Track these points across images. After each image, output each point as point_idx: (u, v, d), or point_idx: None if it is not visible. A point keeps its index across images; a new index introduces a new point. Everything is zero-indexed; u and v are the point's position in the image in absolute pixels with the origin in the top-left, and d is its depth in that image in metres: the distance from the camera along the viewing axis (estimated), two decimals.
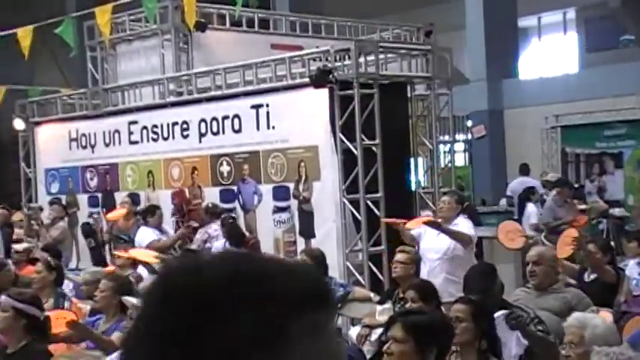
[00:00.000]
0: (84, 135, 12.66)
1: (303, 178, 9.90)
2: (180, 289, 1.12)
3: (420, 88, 10.51)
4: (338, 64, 9.69)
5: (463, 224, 8.16)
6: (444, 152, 12.03)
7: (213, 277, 1.12)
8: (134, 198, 11.63)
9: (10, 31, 11.30)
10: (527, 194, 13.62)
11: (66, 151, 12.95)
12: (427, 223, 8.17)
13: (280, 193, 10.16)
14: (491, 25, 17.98)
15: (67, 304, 7.42)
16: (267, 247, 9.98)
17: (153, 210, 10.59)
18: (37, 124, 13.46)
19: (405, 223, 8.34)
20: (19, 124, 13.37)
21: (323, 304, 1.15)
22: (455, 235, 7.93)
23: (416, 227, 8.31)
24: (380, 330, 5.83)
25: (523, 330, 5.29)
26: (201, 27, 11.63)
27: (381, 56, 9.81)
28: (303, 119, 9.82)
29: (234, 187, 10.66)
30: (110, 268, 8.83)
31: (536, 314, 5.62)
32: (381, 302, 7.49)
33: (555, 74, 21.45)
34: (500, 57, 18.07)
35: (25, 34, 10.83)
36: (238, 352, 1.08)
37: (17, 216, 13.96)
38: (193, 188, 11.15)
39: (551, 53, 24.76)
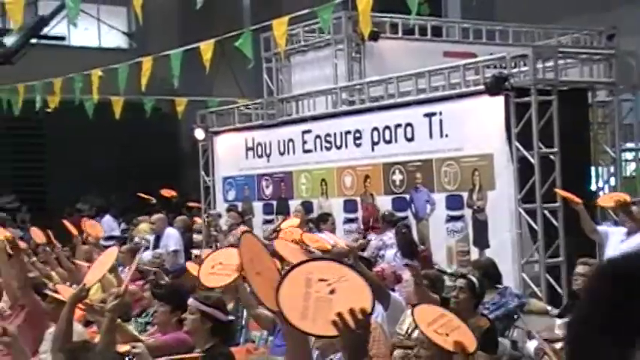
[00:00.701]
0: (259, 144, 13.04)
1: (477, 186, 9.73)
2: (628, 272, 1.40)
3: (601, 94, 10.07)
4: (514, 70, 9.46)
5: None
6: (626, 161, 11.46)
7: None
8: (307, 206, 11.85)
9: (194, 46, 11.84)
10: None
11: (242, 159, 13.38)
12: (621, 206, 7.68)
13: (453, 201, 10.03)
14: None
15: (245, 310, 7.61)
16: (439, 255, 9.89)
17: (326, 218, 10.72)
18: (216, 133, 14.00)
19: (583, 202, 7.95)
20: (199, 133, 13.98)
21: None
22: None
23: (608, 204, 7.88)
24: (559, 344, 5.61)
25: None
26: (374, 36, 11.71)
27: (560, 62, 9.49)
28: (478, 127, 9.65)
29: (407, 196, 10.64)
30: None
31: None
32: (560, 316, 7.21)
33: None
34: None
35: (207, 48, 11.31)
36: None
37: (196, 222, 14.60)
38: (366, 197, 11.21)
39: None
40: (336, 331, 2.39)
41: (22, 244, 8.92)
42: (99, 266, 5.00)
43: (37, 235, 10.03)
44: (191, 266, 7.59)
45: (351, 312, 2.36)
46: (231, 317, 5.66)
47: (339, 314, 2.37)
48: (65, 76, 14.44)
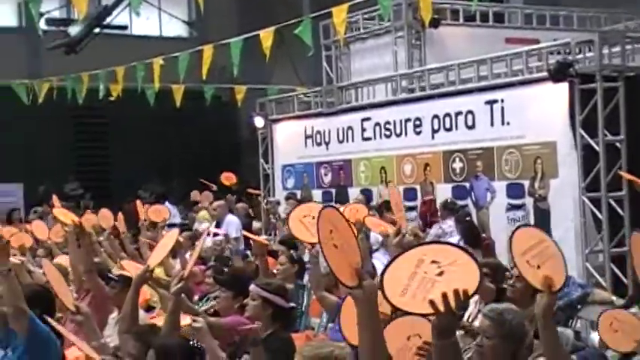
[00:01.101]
0: (319, 132, 13.05)
1: (539, 175, 9.58)
2: None
3: None
4: (579, 56, 9.27)
5: None
6: None
7: None
8: (366, 194, 11.81)
9: (254, 34, 11.88)
10: None
11: (301, 147, 13.41)
12: None
13: (515, 190, 9.89)
14: None
15: (305, 297, 7.64)
16: (500, 245, 9.73)
17: (389, 206, 10.62)
18: (275, 121, 14.05)
19: None
20: (259, 121, 14.06)
21: None
22: None
23: None
24: None
25: None
26: (434, 23, 11.61)
27: (628, 47, 9.26)
28: (540, 114, 9.49)
29: (467, 184, 10.53)
30: None
31: None
32: (625, 307, 7.06)
33: None
34: None
35: (266, 36, 11.35)
36: None
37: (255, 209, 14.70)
38: (425, 184, 11.14)
39: None
40: (431, 309, 2.48)
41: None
42: (161, 248, 5.05)
43: (106, 218, 10.16)
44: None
45: (455, 293, 2.45)
46: (292, 304, 5.68)
47: (444, 294, 2.45)
48: (127, 64, 14.65)
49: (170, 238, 5.22)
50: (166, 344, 4.05)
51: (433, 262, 2.59)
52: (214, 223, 12.56)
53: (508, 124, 9.89)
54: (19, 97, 15.79)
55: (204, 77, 12.97)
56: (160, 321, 6.76)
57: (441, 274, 2.55)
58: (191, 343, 4.05)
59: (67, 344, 4.87)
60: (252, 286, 5.36)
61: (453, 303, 2.47)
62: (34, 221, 11.98)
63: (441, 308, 2.48)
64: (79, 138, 23.36)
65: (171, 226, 14.43)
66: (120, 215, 10.36)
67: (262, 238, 11.27)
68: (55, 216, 8.19)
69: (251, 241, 12.09)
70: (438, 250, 2.66)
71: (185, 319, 4.68)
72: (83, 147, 23.38)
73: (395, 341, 3.49)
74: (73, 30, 16.22)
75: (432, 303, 2.49)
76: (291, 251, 8.60)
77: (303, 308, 7.52)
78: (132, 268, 6.46)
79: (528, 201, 9.74)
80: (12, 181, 21.29)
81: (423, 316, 2.77)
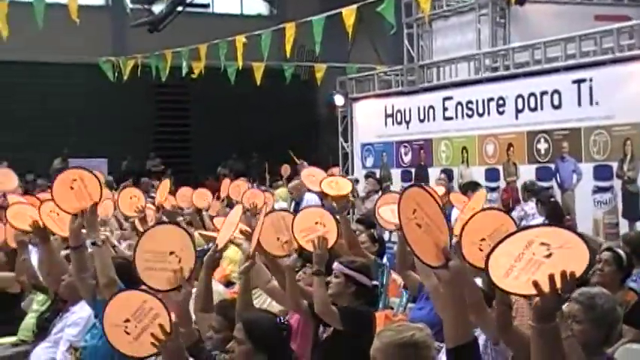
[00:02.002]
0: (399, 111, 12.95)
1: (629, 156, 9.30)
2: None
3: None
4: None
5: None
6: None
7: None
8: (447, 174, 11.67)
9: (336, 11, 11.83)
10: None
11: (381, 126, 13.33)
12: None
13: (602, 172, 9.63)
14: None
15: (385, 277, 7.61)
16: (585, 228, 9.50)
17: (474, 187, 10.42)
18: (355, 99, 14.00)
19: None
20: (339, 99, 14.04)
21: None
22: None
23: None
24: None
25: None
26: (520, 0, 11.33)
27: None
28: (632, 94, 9.19)
29: (552, 165, 10.30)
30: None
31: None
32: None
33: None
34: None
35: (349, 14, 11.28)
36: None
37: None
38: (508, 165, 10.94)
39: None
40: (534, 291, 2.44)
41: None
42: (228, 226, 5.03)
43: (202, 196, 10.16)
44: None
45: (562, 274, 2.41)
46: (375, 282, 5.65)
47: (551, 276, 2.41)
48: (209, 42, 14.78)
49: (235, 214, 5.18)
50: (255, 318, 4.07)
51: (543, 244, 2.54)
52: (293, 204, 12.59)
53: (597, 104, 9.61)
54: (105, 74, 16.12)
55: (287, 55, 12.98)
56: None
57: (549, 256, 2.49)
58: (279, 319, 4.05)
59: None
60: (335, 264, 5.34)
61: (559, 284, 2.40)
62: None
63: (546, 290, 2.41)
64: (160, 115, 23.77)
65: None
66: (199, 191, 10.42)
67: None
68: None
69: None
70: (550, 232, 2.60)
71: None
72: (165, 124, 23.80)
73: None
74: (157, 8, 16.46)
75: (535, 284, 2.43)
76: (372, 230, 8.59)
77: (382, 288, 7.48)
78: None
79: (616, 183, 9.47)
80: (97, 157, 21.84)
81: (525, 297, 2.71)
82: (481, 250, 3.43)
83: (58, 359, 5.55)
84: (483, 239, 3.48)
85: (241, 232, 5.08)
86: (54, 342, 5.70)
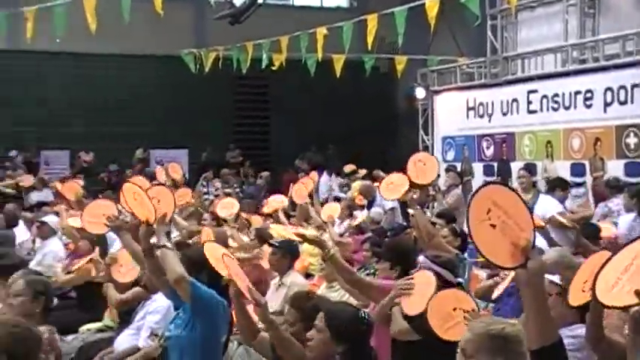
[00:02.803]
0: (481, 104, 12.73)
1: None
2: None
3: None
4: None
5: None
6: None
7: None
8: (530, 168, 11.39)
9: (419, 3, 11.67)
10: None
11: (463, 119, 13.14)
12: None
13: None
14: None
15: (466, 272, 7.45)
16: None
17: (562, 184, 10.04)
18: (436, 92, 13.83)
19: None
20: (420, 92, 13.90)
21: None
22: None
23: None
24: None
25: None
26: None
27: None
28: None
29: None
30: None
31: None
32: None
33: None
34: None
35: (432, 5, 11.09)
36: None
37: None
38: (595, 160, 10.62)
39: None
40: (636, 300, 2.37)
41: None
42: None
43: (300, 195, 10.15)
44: None
45: None
46: (460, 279, 5.53)
47: None
48: (289, 34, 14.79)
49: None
50: (336, 309, 4.06)
51: None
52: (366, 202, 12.46)
53: None
54: (187, 66, 16.31)
55: (369, 47, 12.88)
56: (317, 289, 6.83)
57: None
58: (360, 312, 4.01)
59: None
60: (421, 257, 5.27)
61: None
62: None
63: None
64: (240, 107, 23.96)
65: (337, 200, 14.58)
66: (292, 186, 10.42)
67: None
68: None
69: (409, 214, 12.03)
70: None
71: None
72: (244, 116, 23.98)
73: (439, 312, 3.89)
74: (238, 1, 16.54)
75: (637, 293, 2.33)
76: (453, 224, 8.44)
77: (464, 283, 7.35)
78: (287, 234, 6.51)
79: None
80: (178, 147, 22.18)
81: (624, 309, 2.57)
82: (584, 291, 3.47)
83: (140, 345, 5.63)
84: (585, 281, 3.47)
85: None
86: (137, 329, 5.78)
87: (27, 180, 16.35)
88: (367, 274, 7.35)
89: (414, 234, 9.61)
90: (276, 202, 10.13)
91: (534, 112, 11.60)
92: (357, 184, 15.14)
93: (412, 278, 5.19)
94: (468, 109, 13.01)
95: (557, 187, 9.47)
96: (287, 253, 7.00)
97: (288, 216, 10.94)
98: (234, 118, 24.01)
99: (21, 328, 3.50)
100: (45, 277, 5.01)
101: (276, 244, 7.08)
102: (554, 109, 11.23)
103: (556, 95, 11.16)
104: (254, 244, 8.29)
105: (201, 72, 16.04)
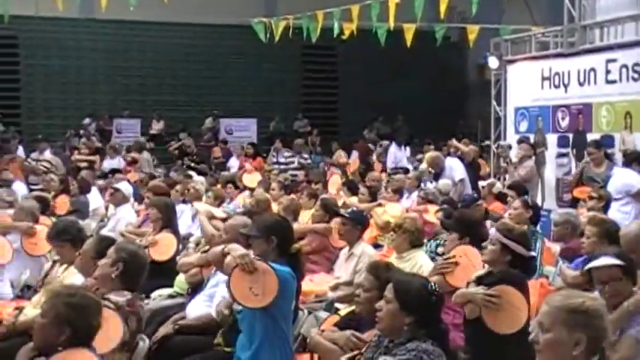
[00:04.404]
0: (557, 74, 12.38)
1: None
2: None
3: None
4: None
5: None
6: None
7: None
8: (607, 140, 11.07)
9: None
10: None
11: (537, 89, 12.81)
12: None
13: None
14: None
15: (539, 243, 7.30)
16: None
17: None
18: (510, 62, 13.52)
19: None
20: (493, 62, 13.61)
21: None
22: None
23: None
24: None
25: None
26: None
27: None
28: None
29: None
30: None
31: None
32: None
33: None
34: None
35: None
36: None
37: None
38: None
39: None
40: None
41: None
42: None
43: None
44: None
45: None
46: (532, 253, 5.43)
47: None
48: (360, 3, 14.62)
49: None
50: (406, 280, 4.03)
51: None
52: (432, 175, 12.31)
53: None
54: (257, 35, 16.30)
55: (442, 16, 12.65)
56: (387, 259, 6.79)
57: None
58: (430, 285, 3.96)
59: None
60: (493, 231, 5.19)
61: None
62: None
63: None
64: (309, 77, 23.93)
65: (397, 170, 14.50)
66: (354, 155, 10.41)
67: None
68: None
69: (480, 186, 11.84)
70: None
71: None
72: (313, 85, 23.94)
73: None
74: None
75: None
76: (525, 196, 8.28)
77: (537, 255, 7.20)
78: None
79: None
80: (247, 117, 22.31)
81: None
82: None
83: (213, 314, 5.67)
84: None
85: None
86: (209, 296, 5.82)
87: None
88: (437, 245, 7.29)
89: (485, 206, 9.48)
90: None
91: (613, 82, 11.22)
92: (427, 156, 14.98)
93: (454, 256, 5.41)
94: (543, 79, 12.66)
95: (635, 160, 9.18)
96: (357, 223, 6.99)
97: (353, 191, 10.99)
98: (303, 88, 24.00)
99: (77, 295, 3.54)
100: (129, 243, 5.14)
101: (346, 215, 7.08)
102: (634, 79, 10.84)
103: (636, 65, 10.76)
104: (320, 215, 8.30)
105: (271, 41, 16.00)
